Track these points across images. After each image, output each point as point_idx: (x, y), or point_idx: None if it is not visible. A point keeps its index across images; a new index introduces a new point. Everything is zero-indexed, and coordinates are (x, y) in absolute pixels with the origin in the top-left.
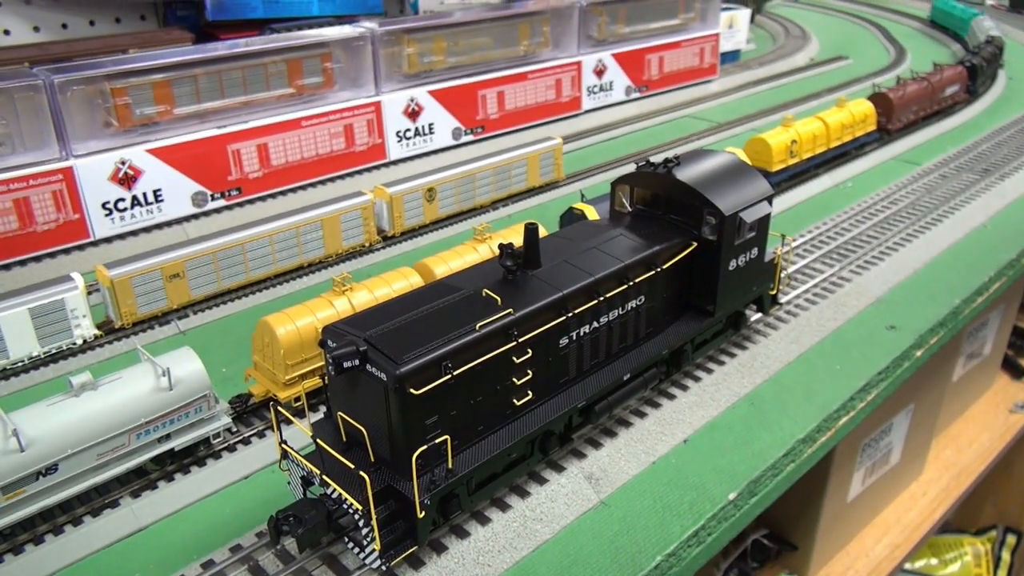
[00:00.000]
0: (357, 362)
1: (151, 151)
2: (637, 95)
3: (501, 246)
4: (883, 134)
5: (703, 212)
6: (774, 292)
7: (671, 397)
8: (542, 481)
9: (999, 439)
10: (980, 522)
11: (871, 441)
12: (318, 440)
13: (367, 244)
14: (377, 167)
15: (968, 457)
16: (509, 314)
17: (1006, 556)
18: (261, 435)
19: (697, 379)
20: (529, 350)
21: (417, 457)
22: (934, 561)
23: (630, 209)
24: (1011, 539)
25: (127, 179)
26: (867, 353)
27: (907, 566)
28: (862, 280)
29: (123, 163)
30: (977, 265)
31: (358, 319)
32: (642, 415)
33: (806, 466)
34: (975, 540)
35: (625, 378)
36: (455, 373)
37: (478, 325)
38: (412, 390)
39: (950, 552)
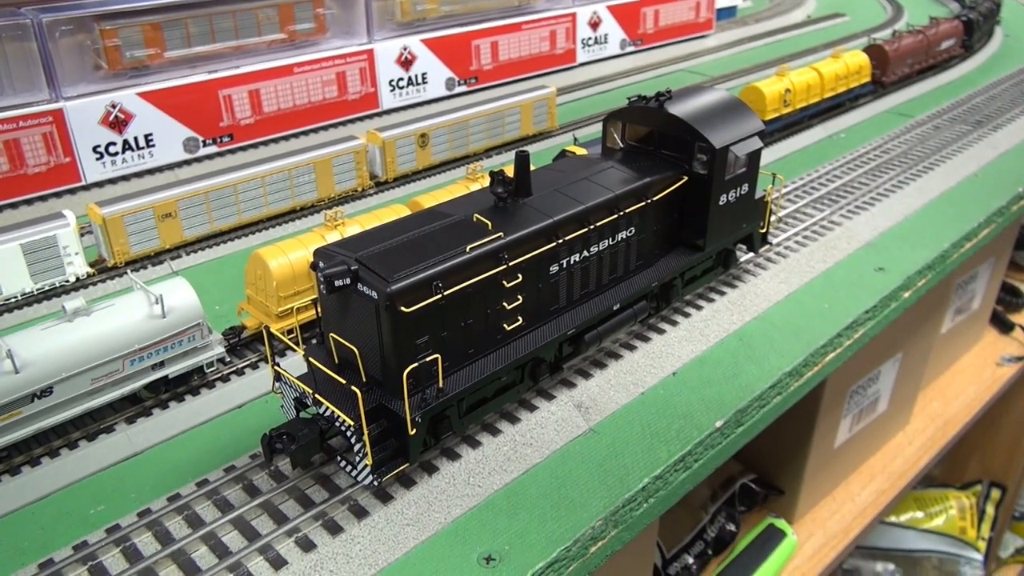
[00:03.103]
0: (348, 281)
1: (142, 95)
2: (632, 49)
3: (492, 173)
4: (877, 87)
5: (694, 146)
6: (764, 231)
7: (661, 332)
8: (532, 408)
9: (986, 391)
10: (965, 476)
11: (859, 388)
12: (311, 359)
13: (360, 189)
14: (370, 116)
15: (955, 408)
16: (500, 238)
17: (990, 510)
18: (255, 367)
19: (687, 315)
20: (519, 275)
21: (408, 375)
22: (919, 514)
23: (622, 145)
24: (995, 493)
25: (118, 123)
26: (855, 293)
27: (892, 519)
28: (852, 224)
29: (114, 107)
30: (967, 212)
31: (349, 241)
32: (632, 348)
33: (792, 399)
34: (960, 494)
35: (615, 308)
36: (446, 294)
37: (468, 247)
38: (403, 308)
39: (935, 506)
